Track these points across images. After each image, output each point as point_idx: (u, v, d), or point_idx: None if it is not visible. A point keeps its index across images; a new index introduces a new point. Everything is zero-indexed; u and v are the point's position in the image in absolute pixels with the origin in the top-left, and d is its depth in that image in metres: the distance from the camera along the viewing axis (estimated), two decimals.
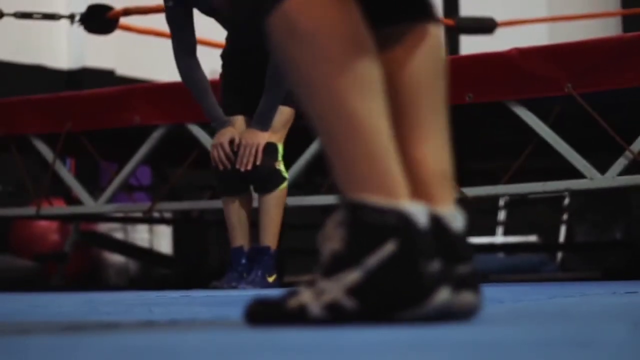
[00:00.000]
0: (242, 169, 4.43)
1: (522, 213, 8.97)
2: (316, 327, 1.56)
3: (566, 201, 8.36)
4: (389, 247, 1.57)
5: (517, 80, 4.56)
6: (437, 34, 1.80)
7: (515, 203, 8.57)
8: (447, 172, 1.75)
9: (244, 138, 4.43)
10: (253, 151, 4.41)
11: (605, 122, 4.43)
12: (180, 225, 7.19)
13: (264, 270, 4.40)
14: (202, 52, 4.55)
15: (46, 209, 5.75)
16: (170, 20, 4.45)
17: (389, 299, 1.57)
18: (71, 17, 5.98)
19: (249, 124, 4.53)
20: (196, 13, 4.48)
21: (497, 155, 6.31)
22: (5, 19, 6.08)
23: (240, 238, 4.49)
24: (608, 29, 8.88)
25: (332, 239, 1.62)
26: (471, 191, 4.67)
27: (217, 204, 5.31)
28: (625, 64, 4.40)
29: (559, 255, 8.46)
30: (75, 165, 7.27)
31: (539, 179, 4.84)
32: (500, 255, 8.41)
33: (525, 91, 4.57)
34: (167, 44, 4.58)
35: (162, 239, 7.67)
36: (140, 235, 7.58)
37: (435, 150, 1.74)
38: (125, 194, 6.22)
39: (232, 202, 4.50)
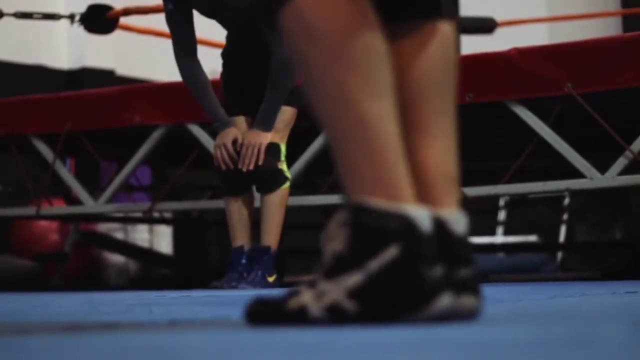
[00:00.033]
0: (245, 169, 4.43)
1: (522, 213, 8.97)
2: (316, 327, 1.56)
3: (566, 201, 8.37)
4: (391, 252, 1.57)
5: (517, 80, 4.56)
6: (447, 32, 1.77)
7: (516, 203, 8.57)
8: (452, 174, 1.74)
9: (247, 138, 4.44)
10: (255, 151, 4.41)
11: (605, 122, 4.43)
12: (180, 225, 7.19)
13: (264, 270, 4.40)
14: (202, 52, 4.55)
15: (46, 209, 5.75)
16: (170, 23, 4.45)
17: (390, 303, 1.56)
18: (71, 17, 5.98)
19: (250, 124, 4.53)
20: (196, 14, 4.48)
21: (497, 155, 6.31)
22: (5, 19, 6.08)
23: (241, 238, 4.49)
24: (608, 29, 8.89)
25: (334, 240, 1.61)
26: (471, 191, 4.67)
27: (217, 204, 5.31)
28: (625, 64, 4.40)
29: (559, 255, 8.47)
30: (75, 165, 7.27)
31: (539, 179, 4.84)
32: (501, 255, 8.41)
33: (525, 91, 4.57)
34: (167, 44, 4.58)
35: (162, 239, 7.67)
36: (140, 235, 7.58)
37: (442, 152, 1.73)
38: (125, 194, 6.22)
39: (233, 201, 4.50)
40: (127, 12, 5.88)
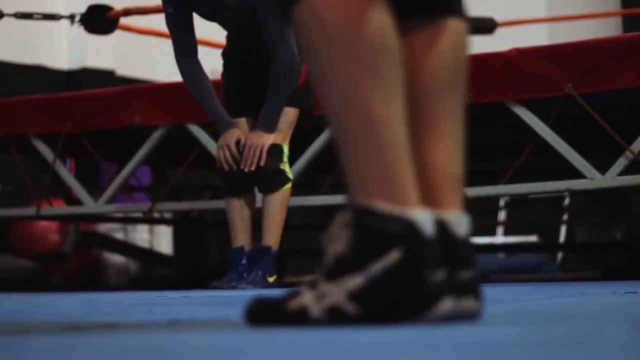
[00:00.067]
0: (246, 170, 4.44)
1: (523, 213, 8.97)
2: (316, 327, 1.56)
3: (566, 201, 8.37)
4: (394, 256, 1.56)
5: (517, 80, 4.56)
6: (459, 30, 1.74)
7: (516, 203, 8.57)
8: (457, 175, 1.72)
9: (249, 139, 4.44)
10: (257, 152, 4.42)
11: (606, 122, 4.43)
12: (181, 225, 7.19)
13: (264, 270, 4.40)
14: (202, 52, 4.55)
15: (46, 209, 5.75)
16: (170, 26, 4.46)
17: (391, 307, 1.55)
18: (71, 18, 5.98)
19: (252, 125, 4.53)
20: (196, 15, 4.48)
21: (497, 155, 6.31)
22: (5, 19, 6.08)
23: (241, 238, 4.49)
24: (608, 29, 8.89)
25: (337, 240, 1.60)
26: (471, 191, 4.66)
27: (217, 204, 5.31)
28: (625, 64, 4.40)
29: (559, 255, 8.47)
30: (75, 166, 7.27)
31: (539, 179, 4.85)
32: (501, 255, 8.41)
33: (525, 91, 4.57)
34: (167, 44, 4.59)
35: (162, 239, 7.67)
36: (141, 235, 7.58)
37: (448, 153, 1.71)
38: (126, 194, 6.22)
39: (235, 202, 4.51)
40: (127, 12, 5.88)
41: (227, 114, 4.50)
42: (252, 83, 4.55)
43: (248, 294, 2.99)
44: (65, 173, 5.69)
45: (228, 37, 4.66)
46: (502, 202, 8.58)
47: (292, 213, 4.61)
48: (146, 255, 7.20)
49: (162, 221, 7.18)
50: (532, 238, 8.91)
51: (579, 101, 4.44)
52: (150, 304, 2.76)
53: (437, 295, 1.57)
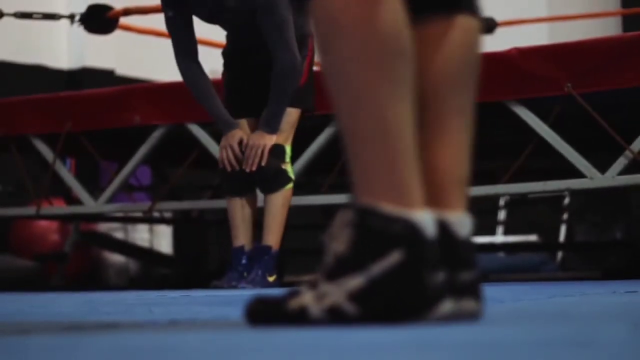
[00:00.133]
0: (247, 170, 4.44)
1: (522, 213, 8.97)
2: (316, 327, 1.56)
3: (566, 201, 8.37)
4: (394, 257, 1.55)
5: (517, 80, 4.56)
6: (470, 27, 1.72)
7: (516, 203, 8.58)
8: (463, 176, 1.71)
9: (251, 139, 4.45)
10: (259, 152, 4.42)
11: (605, 121, 4.43)
12: (181, 225, 7.19)
13: (264, 269, 4.40)
14: (202, 52, 4.55)
15: (46, 209, 5.75)
16: (170, 29, 4.47)
17: (391, 308, 1.55)
18: (71, 17, 5.98)
19: (252, 125, 4.54)
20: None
21: (497, 155, 6.31)
22: (5, 19, 6.08)
23: (242, 238, 4.49)
24: (608, 28, 8.89)
25: (338, 239, 1.60)
26: (471, 190, 4.66)
27: (217, 203, 5.31)
28: (625, 64, 4.40)
29: (559, 254, 8.47)
30: (75, 165, 7.27)
31: (539, 179, 4.84)
32: (501, 254, 8.41)
33: (525, 91, 4.57)
34: (167, 44, 4.59)
35: (162, 239, 7.67)
36: (141, 235, 7.58)
37: (454, 153, 1.70)
38: (125, 193, 6.22)
39: (236, 201, 4.51)
40: (127, 12, 5.88)
41: (228, 114, 4.50)
42: (253, 83, 4.56)
43: (248, 293, 2.99)
44: (65, 173, 5.69)
45: (228, 37, 4.66)
46: (502, 202, 8.58)
47: (292, 213, 4.61)
48: (146, 255, 7.21)
49: (162, 221, 7.19)
50: (532, 237, 8.91)
51: (578, 101, 4.44)
52: (150, 304, 2.76)
53: (437, 296, 1.56)
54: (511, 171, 4.65)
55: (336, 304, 1.57)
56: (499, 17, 6.14)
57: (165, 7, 4.43)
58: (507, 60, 4.55)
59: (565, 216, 8.55)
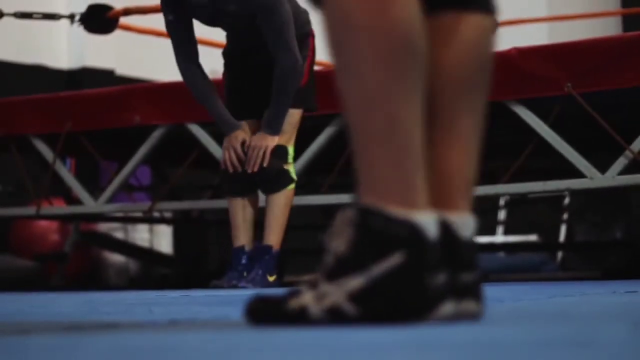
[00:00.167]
0: (249, 170, 4.45)
1: (523, 212, 8.97)
2: (316, 327, 1.56)
3: (566, 201, 8.37)
4: (395, 258, 1.54)
5: (517, 80, 4.55)
6: (484, 26, 1.70)
7: (516, 202, 8.58)
8: (470, 177, 1.70)
9: (253, 141, 4.46)
10: (261, 153, 4.43)
11: (605, 121, 4.43)
12: (181, 225, 7.19)
13: (264, 269, 4.40)
14: (202, 52, 4.55)
15: (46, 209, 5.75)
16: (171, 33, 4.47)
17: (391, 309, 1.54)
18: (71, 17, 5.98)
19: (253, 126, 4.54)
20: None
21: (497, 155, 6.31)
22: (5, 19, 6.08)
23: (242, 238, 4.49)
24: (608, 28, 8.89)
25: (339, 238, 1.59)
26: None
27: (217, 203, 5.31)
28: (625, 64, 4.40)
29: (559, 254, 8.47)
30: (75, 165, 7.27)
31: (539, 179, 4.84)
32: (501, 254, 8.42)
33: (525, 91, 4.57)
34: (167, 44, 4.59)
35: (162, 239, 7.67)
36: (141, 235, 7.58)
37: (463, 154, 1.68)
38: (125, 193, 6.22)
39: (238, 202, 4.51)
40: (127, 12, 5.88)
41: (231, 115, 4.50)
42: (253, 84, 4.56)
43: (248, 293, 2.99)
44: (65, 173, 5.69)
45: (228, 37, 4.66)
46: (502, 202, 8.58)
47: (292, 213, 4.62)
48: (146, 255, 7.21)
49: (162, 221, 7.19)
50: (532, 237, 8.91)
51: (578, 101, 4.44)
52: (150, 304, 2.76)
53: (437, 298, 1.56)
54: (511, 171, 4.65)
55: (336, 304, 1.57)
56: (499, 17, 6.14)
57: (165, 11, 4.43)
58: (507, 60, 4.55)
59: (565, 216, 8.55)
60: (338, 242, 1.59)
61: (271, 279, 4.42)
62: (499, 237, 8.80)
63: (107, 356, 1.24)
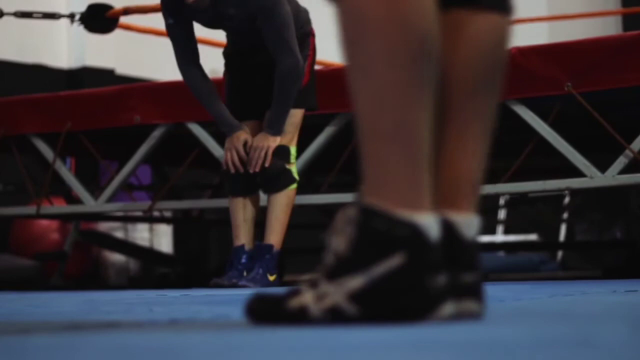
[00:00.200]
0: (251, 171, 4.45)
1: (523, 212, 8.97)
2: (316, 327, 1.56)
3: (566, 200, 8.37)
4: (396, 259, 1.54)
5: (517, 80, 4.55)
6: (499, 26, 1.68)
7: (516, 202, 8.57)
8: (477, 179, 1.69)
9: (255, 141, 4.46)
10: (262, 154, 4.43)
11: (605, 121, 4.43)
12: (181, 224, 7.19)
13: (265, 268, 4.41)
14: (202, 52, 4.55)
15: (46, 208, 5.75)
16: (171, 36, 4.47)
17: (391, 310, 1.54)
18: (71, 17, 5.98)
19: (255, 127, 4.54)
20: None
21: (497, 154, 6.31)
22: (5, 18, 6.08)
23: (242, 237, 4.50)
24: (608, 28, 8.89)
25: (339, 237, 1.58)
26: None
27: (217, 202, 5.31)
28: (625, 63, 4.40)
29: (559, 253, 8.47)
30: (76, 165, 7.27)
31: (539, 178, 4.84)
32: (501, 254, 8.41)
33: (525, 90, 4.57)
34: (167, 44, 4.59)
35: (162, 238, 7.67)
36: (141, 234, 7.58)
37: (471, 155, 1.68)
38: (126, 193, 6.22)
39: (239, 201, 4.51)
40: (127, 11, 5.88)
41: (232, 116, 4.50)
42: (254, 85, 4.56)
43: (248, 292, 2.99)
44: (66, 172, 5.69)
45: (228, 37, 4.66)
46: (502, 201, 8.58)
47: (292, 212, 4.62)
48: (146, 254, 7.21)
49: (162, 220, 7.19)
50: (532, 237, 8.91)
51: (578, 100, 4.44)
52: (150, 303, 2.76)
53: (438, 300, 1.55)
54: (511, 170, 4.65)
55: (336, 304, 1.57)
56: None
57: (165, 15, 4.43)
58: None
59: (565, 215, 8.55)
60: (338, 241, 1.58)
61: (271, 278, 4.42)
62: (499, 237, 8.80)
63: (107, 356, 1.24)
